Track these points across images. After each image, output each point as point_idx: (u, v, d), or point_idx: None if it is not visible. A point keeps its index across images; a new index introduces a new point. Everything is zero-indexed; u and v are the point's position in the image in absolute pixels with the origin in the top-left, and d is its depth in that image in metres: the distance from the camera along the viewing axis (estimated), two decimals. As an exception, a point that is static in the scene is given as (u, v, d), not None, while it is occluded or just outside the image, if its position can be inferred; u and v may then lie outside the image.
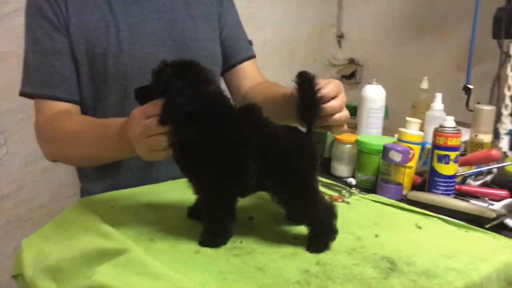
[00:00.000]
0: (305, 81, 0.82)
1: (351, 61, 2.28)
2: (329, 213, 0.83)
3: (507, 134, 1.42)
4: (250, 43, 1.32)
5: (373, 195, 1.11)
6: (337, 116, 0.89)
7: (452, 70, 1.90)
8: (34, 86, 1.10)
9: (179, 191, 1.08)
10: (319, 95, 0.83)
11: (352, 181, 1.21)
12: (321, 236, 0.82)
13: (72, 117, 1.07)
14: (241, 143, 0.80)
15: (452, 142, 1.05)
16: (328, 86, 0.87)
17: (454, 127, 1.06)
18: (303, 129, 0.86)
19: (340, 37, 2.32)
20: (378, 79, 1.34)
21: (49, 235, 0.89)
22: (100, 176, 1.18)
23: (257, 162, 0.80)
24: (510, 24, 1.46)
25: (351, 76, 2.23)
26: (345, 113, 0.90)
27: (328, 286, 0.71)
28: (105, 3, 1.11)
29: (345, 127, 0.93)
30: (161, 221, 0.91)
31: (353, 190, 1.14)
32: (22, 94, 1.12)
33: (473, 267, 0.78)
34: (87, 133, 0.98)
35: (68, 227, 0.89)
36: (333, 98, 0.88)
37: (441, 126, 1.06)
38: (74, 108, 1.12)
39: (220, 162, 0.80)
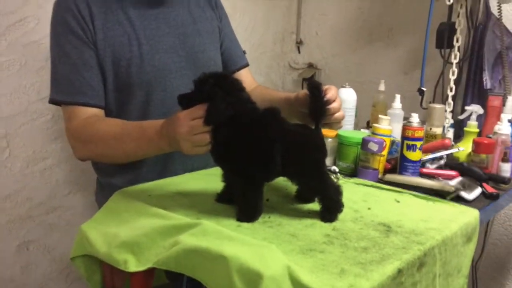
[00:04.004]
0: (314, 87, 1.05)
1: (310, 65, 2.55)
2: (337, 191, 1.06)
3: (450, 127, 1.73)
4: (244, 52, 1.53)
5: (355, 178, 1.36)
6: (336, 115, 1.12)
7: (399, 74, 2.22)
8: (65, 94, 1.24)
9: (197, 181, 1.27)
10: (325, 98, 1.06)
11: (336, 168, 1.45)
12: (332, 209, 1.05)
13: (106, 120, 1.23)
14: (269, 139, 1.01)
15: (418, 134, 1.32)
16: (330, 91, 1.10)
17: (418, 122, 1.33)
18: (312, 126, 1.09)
19: (299, 43, 2.57)
20: (334, 83, 1.58)
21: (104, 221, 1.05)
22: (121, 171, 1.33)
23: (282, 154, 1.01)
24: (451, 36, 1.77)
25: (311, 79, 2.49)
26: (342, 113, 1.14)
27: (347, 244, 0.94)
28: (126, 19, 1.27)
29: (342, 123, 1.17)
30: (197, 205, 1.10)
31: (339, 175, 1.38)
32: (52, 101, 1.26)
33: (445, 226, 1.05)
34: (125, 134, 1.15)
35: (119, 213, 1.06)
36: (333, 101, 1.12)
37: (408, 122, 1.33)
38: (101, 113, 1.27)
39: (253, 154, 1.00)
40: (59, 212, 1.81)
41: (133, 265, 0.90)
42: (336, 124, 1.15)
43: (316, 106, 1.05)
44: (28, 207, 1.73)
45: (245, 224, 1.00)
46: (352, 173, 1.41)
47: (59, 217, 1.81)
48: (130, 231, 0.95)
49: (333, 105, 1.10)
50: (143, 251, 0.91)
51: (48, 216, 1.79)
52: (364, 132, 1.49)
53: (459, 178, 1.34)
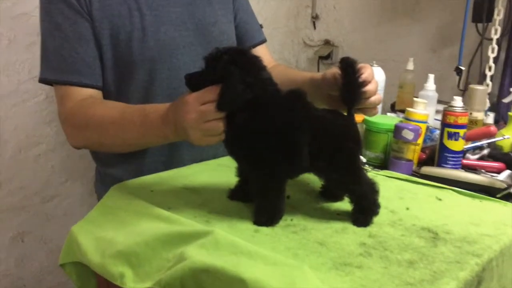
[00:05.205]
0: (349, 66, 0.88)
1: (327, 42, 2.36)
2: (373, 189, 0.90)
3: (489, 111, 1.55)
4: (261, 26, 1.35)
5: (386, 171, 1.20)
6: (372, 99, 0.95)
7: (426, 52, 2.02)
8: (57, 73, 1.07)
9: (207, 173, 1.12)
10: (360, 80, 0.89)
11: (363, 159, 1.29)
12: (367, 211, 0.89)
13: (104, 103, 1.07)
14: (294, 127, 0.84)
15: (461, 120, 1.15)
16: (366, 70, 0.93)
17: (462, 107, 1.15)
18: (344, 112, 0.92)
19: (314, 18, 2.38)
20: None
21: (99, 222, 0.89)
22: (122, 161, 1.18)
23: (310, 145, 0.85)
24: (491, 8, 1.57)
25: (327, 57, 2.31)
26: (378, 96, 0.97)
27: (388, 256, 0.78)
28: (125, -13, 1.10)
29: (377, 109, 1.00)
30: (206, 204, 0.94)
31: (367, 167, 1.22)
32: (42, 80, 1.10)
33: (501, 232, 0.88)
34: (126, 119, 0.98)
35: (117, 213, 0.90)
36: (369, 82, 0.94)
37: (450, 106, 1.16)
38: (98, 94, 1.11)
39: (275, 146, 0.84)
40: (56, 201, 1.67)
41: (131, 281, 0.75)
42: (371, 109, 0.98)
43: (350, 88, 0.88)
44: (22, 196, 1.59)
45: (264, 229, 0.85)
46: (382, 164, 1.25)
47: (56, 207, 1.67)
48: (127, 238, 0.79)
49: (369, 87, 0.93)
50: (143, 263, 0.75)
51: (44, 205, 1.65)
52: (394, 117, 1.31)
53: (507, 171, 1.17)
